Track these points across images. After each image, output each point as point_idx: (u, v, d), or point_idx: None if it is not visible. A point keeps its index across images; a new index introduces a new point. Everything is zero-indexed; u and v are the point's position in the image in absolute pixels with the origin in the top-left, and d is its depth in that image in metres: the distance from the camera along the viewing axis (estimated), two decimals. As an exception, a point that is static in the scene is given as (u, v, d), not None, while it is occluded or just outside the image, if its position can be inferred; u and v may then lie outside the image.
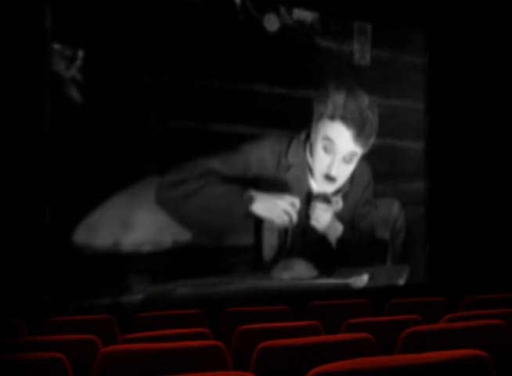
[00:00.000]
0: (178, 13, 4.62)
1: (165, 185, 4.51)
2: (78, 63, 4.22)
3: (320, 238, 5.19)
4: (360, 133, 5.30)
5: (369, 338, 2.16)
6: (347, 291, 5.07)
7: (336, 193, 5.23)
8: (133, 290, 4.37)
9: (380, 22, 5.49)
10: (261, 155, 4.89)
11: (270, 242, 4.92)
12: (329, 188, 5.21)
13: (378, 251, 5.45)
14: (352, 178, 5.33)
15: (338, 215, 5.26)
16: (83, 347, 2.46)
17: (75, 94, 4.22)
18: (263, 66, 4.95)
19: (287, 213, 4.98)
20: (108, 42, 4.36)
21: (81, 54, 4.23)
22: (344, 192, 5.29)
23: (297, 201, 5.03)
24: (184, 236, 4.56)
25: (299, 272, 5.03)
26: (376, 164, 5.46)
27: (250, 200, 4.76)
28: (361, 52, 5.40)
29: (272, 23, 4.99)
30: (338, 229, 5.26)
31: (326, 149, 5.14)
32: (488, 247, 5.46)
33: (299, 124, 5.10)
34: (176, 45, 4.62)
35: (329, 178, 5.17)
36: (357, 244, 5.35)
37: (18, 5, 4.05)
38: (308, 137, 5.10)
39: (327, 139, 5.15)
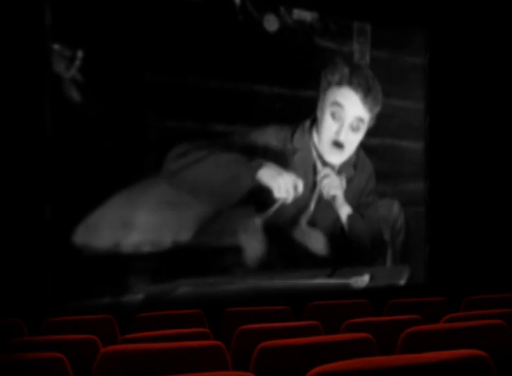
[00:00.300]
0: (177, 13, 4.62)
1: (173, 157, 4.53)
2: (78, 63, 4.22)
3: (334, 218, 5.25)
4: (367, 95, 5.34)
5: (369, 338, 2.16)
6: (348, 291, 5.07)
7: (340, 171, 5.25)
8: (133, 290, 4.37)
9: (379, 22, 5.49)
10: (267, 140, 4.93)
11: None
12: (336, 158, 5.23)
13: (378, 251, 5.45)
14: (356, 166, 5.35)
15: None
16: (83, 347, 2.46)
17: (75, 94, 4.22)
18: (263, 67, 4.94)
19: (287, 191, 4.99)
20: (108, 42, 4.36)
21: (80, 54, 4.23)
22: (349, 176, 5.31)
23: (300, 184, 5.05)
24: (184, 236, 4.56)
25: (312, 244, 5.08)
26: (376, 164, 5.46)
27: (259, 166, 4.79)
28: (361, 53, 5.40)
29: (271, 23, 4.99)
30: (347, 208, 5.30)
31: (334, 115, 5.17)
32: (488, 247, 5.46)
33: (298, 124, 5.10)
34: (176, 45, 4.62)
35: (337, 144, 5.18)
36: (365, 231, 5.39)
37: (18, 5, 4.05)
38: (314, 121, 5.13)
39: (335, 103, 5.19)
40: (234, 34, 4.85)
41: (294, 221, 5.06)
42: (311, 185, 5.14)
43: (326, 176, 5.20)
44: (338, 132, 5.20)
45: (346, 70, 5.28)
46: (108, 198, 4.32)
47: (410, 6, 5.51)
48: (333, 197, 5.24)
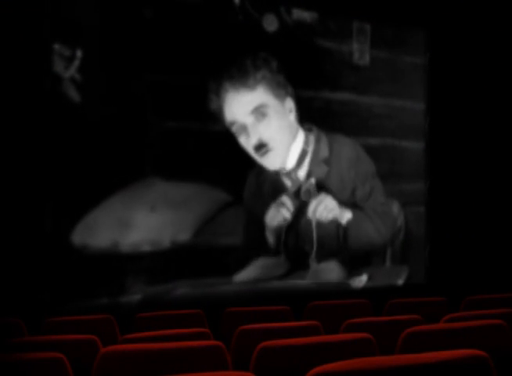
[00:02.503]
0: (177, 13, 4.62)
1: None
2: (77, 63, 4.22)
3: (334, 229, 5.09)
4: (244, 81, 4.73)
5: (369, 338, 2.16)
6: (347, 291, 5.07)
7: (307, 185, 4.94)
8: (132, 290, 4.37)
9: (379, 22, 5.49)
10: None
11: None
12: (275, 160, 4.83)
13: (377, 251, 5.44)
14: (330, 159, 5.08)
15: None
16: (83, 347, 2.46)
17: (74, 94, 4.22)
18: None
19: (279, 212, 4.88)
20: (107, 42, 4.36)
21: (79, 54, 4.23)
22: (320, 176, 5.01)
23: (286, 199, 4.88)
24: (183, 236, 4.56)
25: (327, 277, 5.02)
26: (376, 164, 5.45)
27: None
28: (360, 52, 5.40)
29: (271, 23, 4.98)
30: (347, 213, 5.11)
31: (238, 132, 4.72)
32: (488, 247, 5.46)
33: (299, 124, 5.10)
34: (175, 44, 4.62)
35: (259, 147, 4.75)
36: (371, 227, 5.27)
37: (17, 4, 4.05)
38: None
39: (231, 123, 4.72)
40: (233, 34, 4.85)
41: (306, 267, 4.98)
42: (296, 213, 4.92)
43: (317, 205, 4.96)
44: (251, 137, 4.73)
45: (214, 86, 4.71)
46: (107, 198, 4.32)
47: (410, 6, 5.51)
48: (334, 217, 5.05)
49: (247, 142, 4.76)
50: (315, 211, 4.98)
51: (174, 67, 4.61)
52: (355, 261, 5.21)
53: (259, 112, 4.76)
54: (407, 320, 2.71)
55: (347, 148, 5.18)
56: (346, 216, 5.10)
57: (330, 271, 5.04)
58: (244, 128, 4.72)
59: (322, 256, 5.01)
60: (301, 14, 5.14)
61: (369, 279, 5.28)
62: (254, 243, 4.85)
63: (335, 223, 5.09)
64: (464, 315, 2.72)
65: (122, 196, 4.37)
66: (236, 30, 4.86)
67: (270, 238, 4.88)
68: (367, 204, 5.25)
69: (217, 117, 4.70)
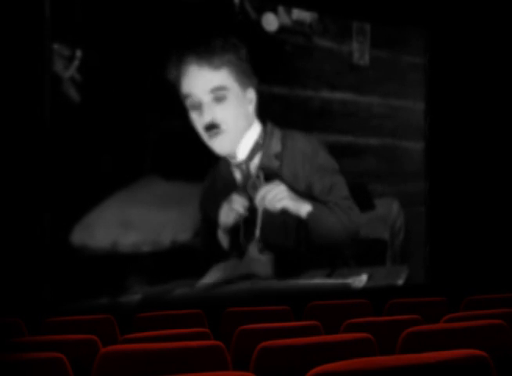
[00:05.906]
0: (176, 13, 4.61)
1: None
2: (76, 63, 4.22)
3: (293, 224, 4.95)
4: (210, 60, 4.65)
5: (369, 338, 2.16)
6: (347, 291, 5.07)
7: (258, 175, 4.82)
8: (132, 290, 4.36)
9: (379, 22, 5.49)
10: None
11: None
12: (224, 144, 4.69)
13: (377, 251, 5.44)
14: (282, 153, 4.95)
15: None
16: (83, 347, 2.45)
17: (73, 94, 4.22)
18: (261, 66, 4.94)
19: (233, 209, 4.73)
20: (107, 42, 4.36)
21: (79, 54, 4.23)
22: (272, 169, 4.90)
23: (235, 195, 4.74)
24: (183, 236, 4.56)
25: (260, 271, 4.83)
26: (376, 164, 5.46)
27: None
28: (360, 52, 5.40)
29: (270, 23, 4.98)
30: (307, 206, 4.96)
31: (192, 108, 4.59)
32: (489, 247, 5.46)
33: (297, 124, 5.10)
34: (174, 44, 4.62)
35: (210, 127, 4.61)
36: (335, 220, 5.12)
37: (17, 3, 4.05)
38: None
39: (186, 96, 4.60)
40: (233, 33, 4.84)
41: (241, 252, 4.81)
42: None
43: (266, 193, 4.81)
44: (202, 116, 4.60)
45: (175, 59, 4.57)
46: (106, 198, 4.32)
47: (410, 6, 5.51)
48: (284, 208, 4.90)
49: (199, 120, 4.62)
50: (263, 198, 4.83)
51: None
52: (314, 258, 5.08)
53: (219, 94, 4.66)
54: (407, 320, 2.71)
55: (302, 143, 5.06)
56: (305, 209, 4.96)
57: (259, 264, 4.83)
58: (199, 105, 4.60)
59: (265, 247, 4.84)
60: (301, 14, 5.14)
61: (369, 279, 5.28)
62: (209, 246, 4.70)
63: (292, 216, 4.93)
64: (464, 315, 2.72)
65: (122, 196, 4.37)
66: (236, 30, 4.86)
67: (223, 240, 4.75)
68: (328, 198, 5.11)
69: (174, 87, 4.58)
